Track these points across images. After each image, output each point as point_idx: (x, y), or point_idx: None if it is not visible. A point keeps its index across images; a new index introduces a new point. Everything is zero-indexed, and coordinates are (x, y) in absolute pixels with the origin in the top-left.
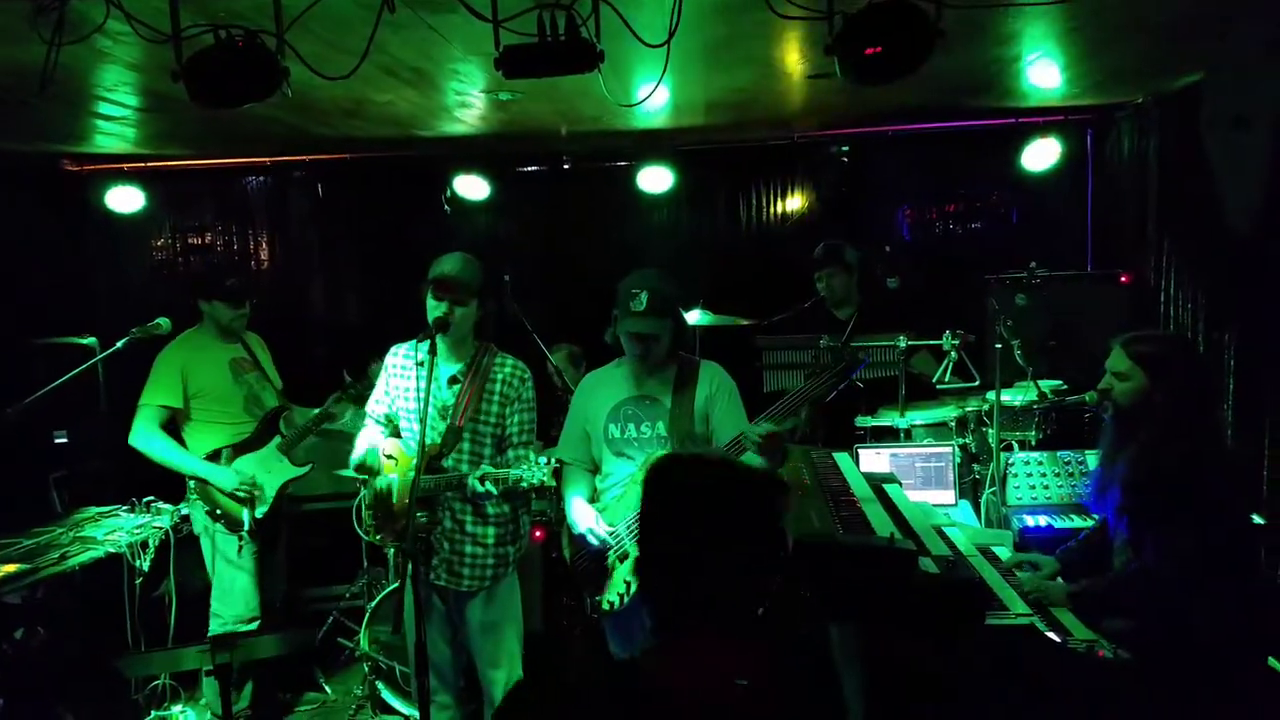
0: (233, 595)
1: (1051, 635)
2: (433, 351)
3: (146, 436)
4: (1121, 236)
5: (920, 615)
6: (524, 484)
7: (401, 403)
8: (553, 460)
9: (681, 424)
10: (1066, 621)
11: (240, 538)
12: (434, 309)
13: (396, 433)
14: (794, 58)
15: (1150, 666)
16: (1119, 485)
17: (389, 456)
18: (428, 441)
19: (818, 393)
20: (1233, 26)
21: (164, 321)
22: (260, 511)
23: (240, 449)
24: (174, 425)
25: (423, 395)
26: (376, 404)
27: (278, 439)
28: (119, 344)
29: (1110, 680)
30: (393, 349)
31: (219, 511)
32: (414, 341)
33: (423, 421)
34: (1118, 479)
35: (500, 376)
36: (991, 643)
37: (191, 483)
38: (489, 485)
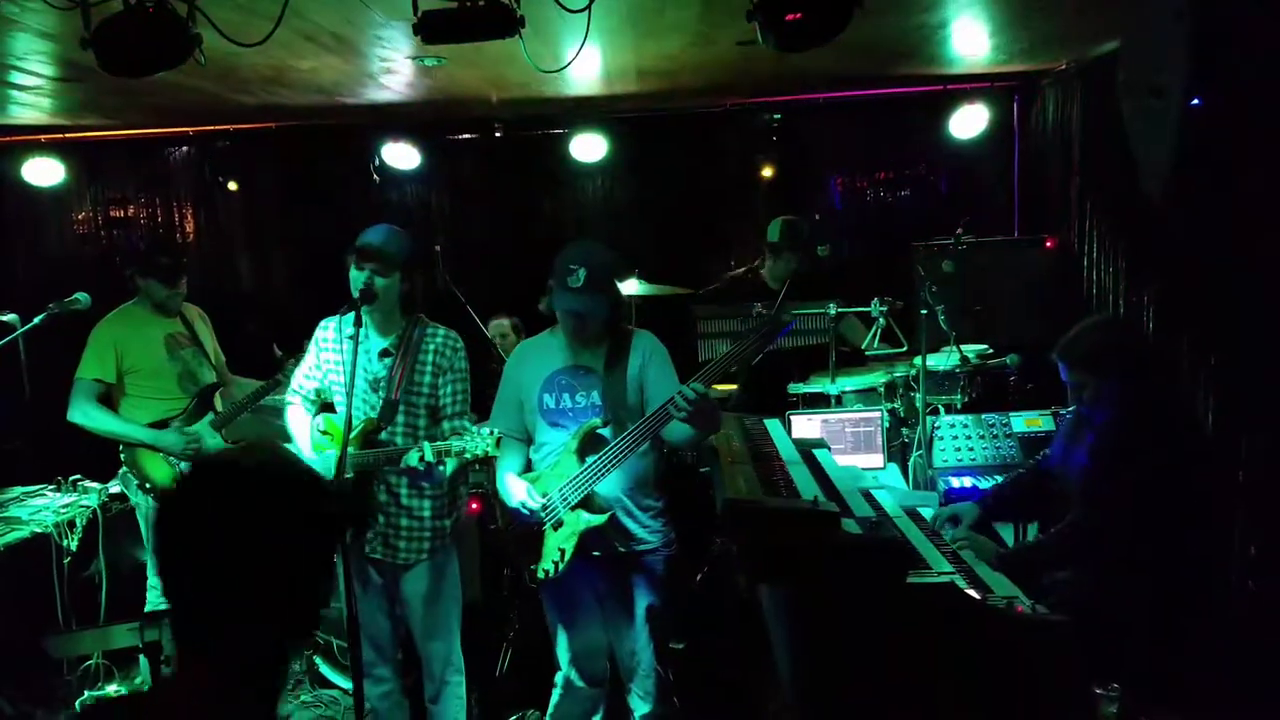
0: None
1: (971, 592)
2: (358, 323)
3: (84, 411)
4: (1047, 202)
5: (844, 575)
6: (468, 455)
7: (334, 377)
8: (495, 430)
9: (615, 393)
10: (989, 579)
11: None
12: (357, 280)
13: (326, 408)
14: (721, 23)
15: (1075, 622)
16: (1079, 462)
17: (324, 433)
18: (363, 416)
19: (743, 355)
20: None
21: (82, 296)
22: None
23: (169, 424)
24: (108, 401)
25: (350, 369)
26: (306, 379)
27: (211, 415)
28: (36, 319)
29: (1030, 635)
30: (321, 323)
31: (149, 485)
32: (340, 315)
33: (349, 395)
34: (1079, 455)
35: (432, 347)
36: (913, 600)
37: (124, 456)
38: (430, 459)
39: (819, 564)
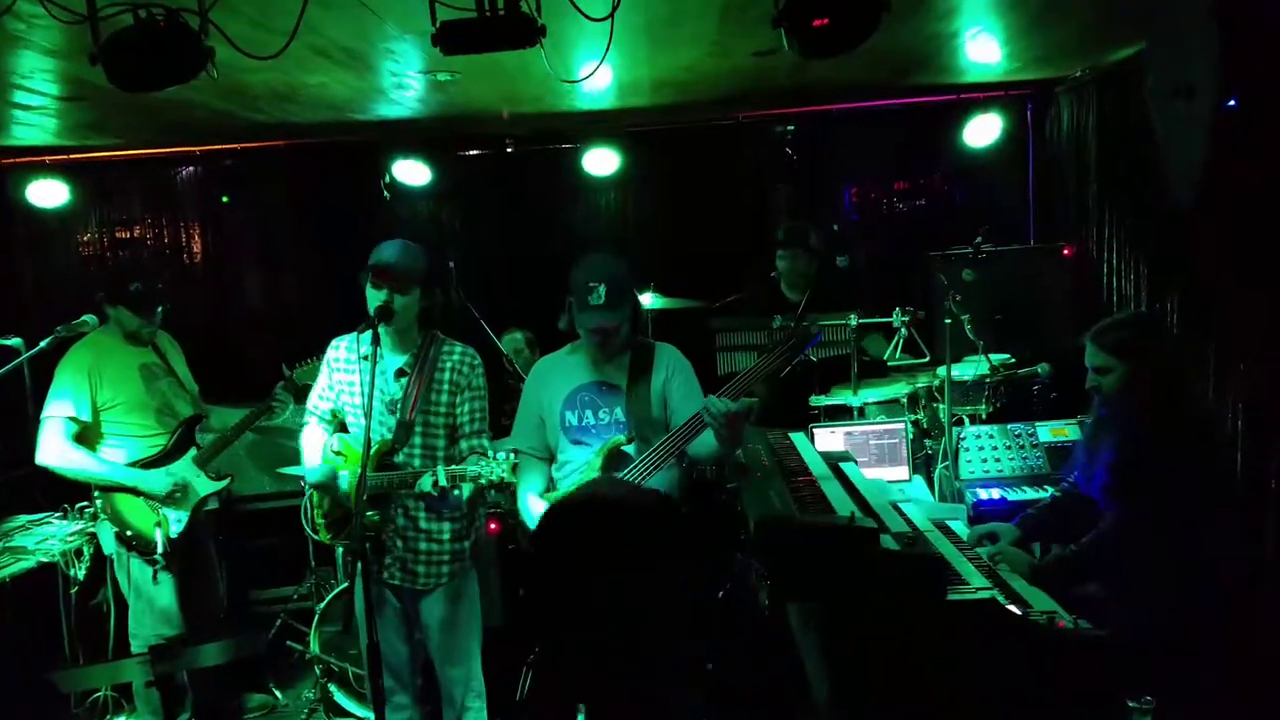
0: (151, 617)
1: (1012, 608)
2: (375, 342)
3: (57, 452)
4: (1063, 210)
5: (883, 592)
6: (483, 480)
7: (347, 398)
8: (511, 455)
9: (639, 409)
10: (1026, 594)
11: (154, 561)
12: (374, 298)
13: (342, 428)
14: (739, 34)
15: (1115, 635)
16: (1104, 464)
17: (338, 453)
18: (378, 437)
19: (772, 368)
20: None
21: (90, 318)
22: (175, 530)
23: (154, 464)
24: (82, 438)
25: (368, 389)
26: (320, 399)
27: (193, 451)
28: (43, 344)
29: (1071, 650)
30: (333, 343)
31: (129, 533)
32: (355, 334)
33: (367, 416)
34: (1103, 458)
35: (449, 364)
36: (952, 618)
37: (99, 502)
38: (444, 484)
39: (859, 581)
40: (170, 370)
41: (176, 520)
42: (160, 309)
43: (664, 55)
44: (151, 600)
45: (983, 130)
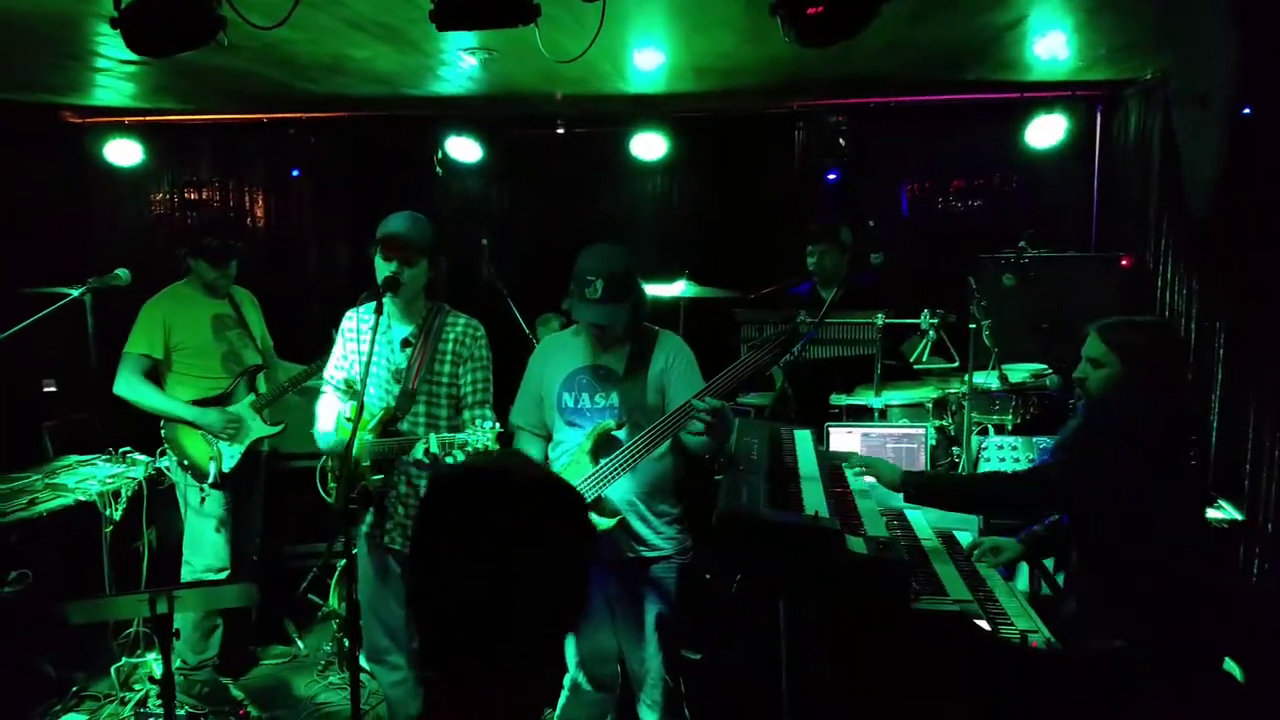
0: (202, 545)
1: (982, 624)
2: (379, 311)
3: (130, 384)
4: (1126, 219)
5: (841, 596)
6: (470, 448)
7: (358, 368)
8: (496, 425)
9: (634, 395)
10: (1009, 608)
11: (202, 489)
12: (382, 269)
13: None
14: (767, 18)
15: (1085, 658)
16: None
17: (349, 420)
18: (383, 405)
19: (758, 366)
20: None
21: (122, 273)
22: (228, 465)
23: (213, 403)
24: (155, 375)
25: (374, 357)
26: (336, 369)
27: (251, 397)
28: (74, 293)
29: (1042, 670)
30: (348, 313)
31: (186, 462)
32: (368, 305)
33: (363, 383)
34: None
35: (453, 335)
36: (916, 627)
37: (164, 431)
38: (436, 451)
39: (817, 581)
40: (242, 322)
41: (230, 456)
42: (234, 262)
43: (700, 39)
44: (204, 527)
45: (1047, 131)
